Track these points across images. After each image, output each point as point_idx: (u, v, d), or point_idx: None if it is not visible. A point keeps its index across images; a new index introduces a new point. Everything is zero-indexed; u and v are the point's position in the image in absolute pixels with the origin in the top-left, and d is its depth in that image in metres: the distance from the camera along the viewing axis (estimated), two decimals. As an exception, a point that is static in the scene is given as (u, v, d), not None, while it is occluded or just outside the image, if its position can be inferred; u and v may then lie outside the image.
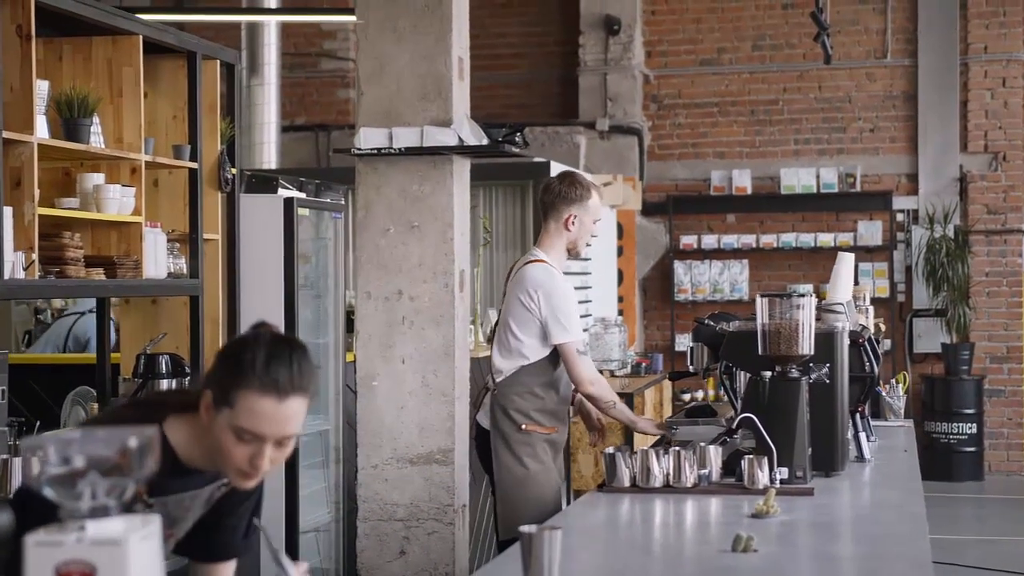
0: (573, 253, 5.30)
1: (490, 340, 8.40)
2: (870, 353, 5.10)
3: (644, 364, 10.78)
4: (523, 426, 5.13)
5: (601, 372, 10.00)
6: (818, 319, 5.24)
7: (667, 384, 10.88)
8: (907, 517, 3.91)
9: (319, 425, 6.82)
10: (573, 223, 5.20)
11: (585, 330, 9.92)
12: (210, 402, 2.62)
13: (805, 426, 4.39)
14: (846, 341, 4.76)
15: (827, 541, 3.71)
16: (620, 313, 12.04)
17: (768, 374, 4.46)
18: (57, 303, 9.12)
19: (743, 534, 3.36)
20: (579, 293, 9.92)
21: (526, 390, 5.14)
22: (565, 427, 5.34)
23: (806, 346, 4.45)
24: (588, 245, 5.35)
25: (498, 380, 5.18)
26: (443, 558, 5.53)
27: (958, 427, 12.17)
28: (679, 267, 12.89)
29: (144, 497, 2.63)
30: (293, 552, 6.26)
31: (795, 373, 4.46)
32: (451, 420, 5.49)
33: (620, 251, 12.37)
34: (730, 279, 12.82)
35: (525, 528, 2.80)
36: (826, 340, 4.62)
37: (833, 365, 4.62)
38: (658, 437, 5.36)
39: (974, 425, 12.20)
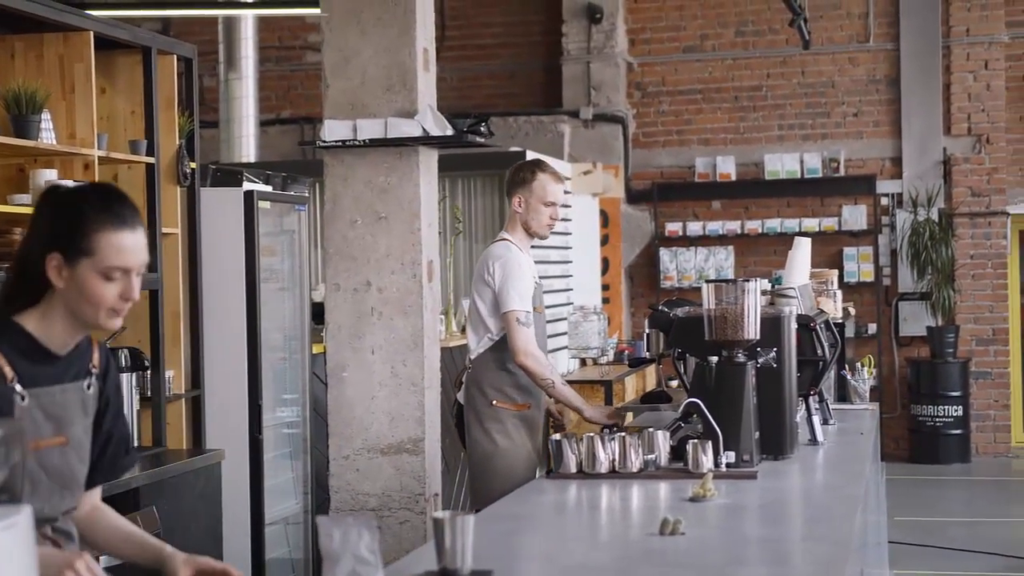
0: (533, 233, 5.46)
1: (464, 329, 8.47)
2: (822, 337, 5.10)
3: (628, 352, 10.76)
4: (493, 402, 5.30)
5: (584, 361, 10.15)
6: (772, 304, 5.27)
7: (651, 371, 10.87)
8: (842, 499, 3.92)
9: (287, 416, 6.85)
10: (521, 204, 5.44)
11: (563, 319, 9.94)
12: (60, 263, 2.73)
13: (752, 410, 4.41)
14: (794, 325, 4.77)
15: (756, 523, 3.72)
16: (606, 301, 12.05)
17: (714, 359, 4.48)
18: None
19: (670, 517, 3.38)
20: (560, 281, 9.95)
21: (498, 366, 5.31)
22: (540, 404, 5.41)
23: (752, 331, 4.46)
24: (550, 226, 5.45)
25: (472, 358, 5.37)
26: (415, 547, 5.54)
27: (944, 409, 12.18)
28: (665, 254, 12.89)
29: (18, 388, 2.72)
30: (258, 544, 6.29)
31: (741, 358, 4.47)
32: (421, 410, 5.51)
33: (605, 239, 12.38)
34: (716, 265, 12.82)
35: (437, 513, 2.83)
36: (773, 324, 4.63)
37: (780, 349, 4.63)
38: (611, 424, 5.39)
39: (960, 407, 12.21)
